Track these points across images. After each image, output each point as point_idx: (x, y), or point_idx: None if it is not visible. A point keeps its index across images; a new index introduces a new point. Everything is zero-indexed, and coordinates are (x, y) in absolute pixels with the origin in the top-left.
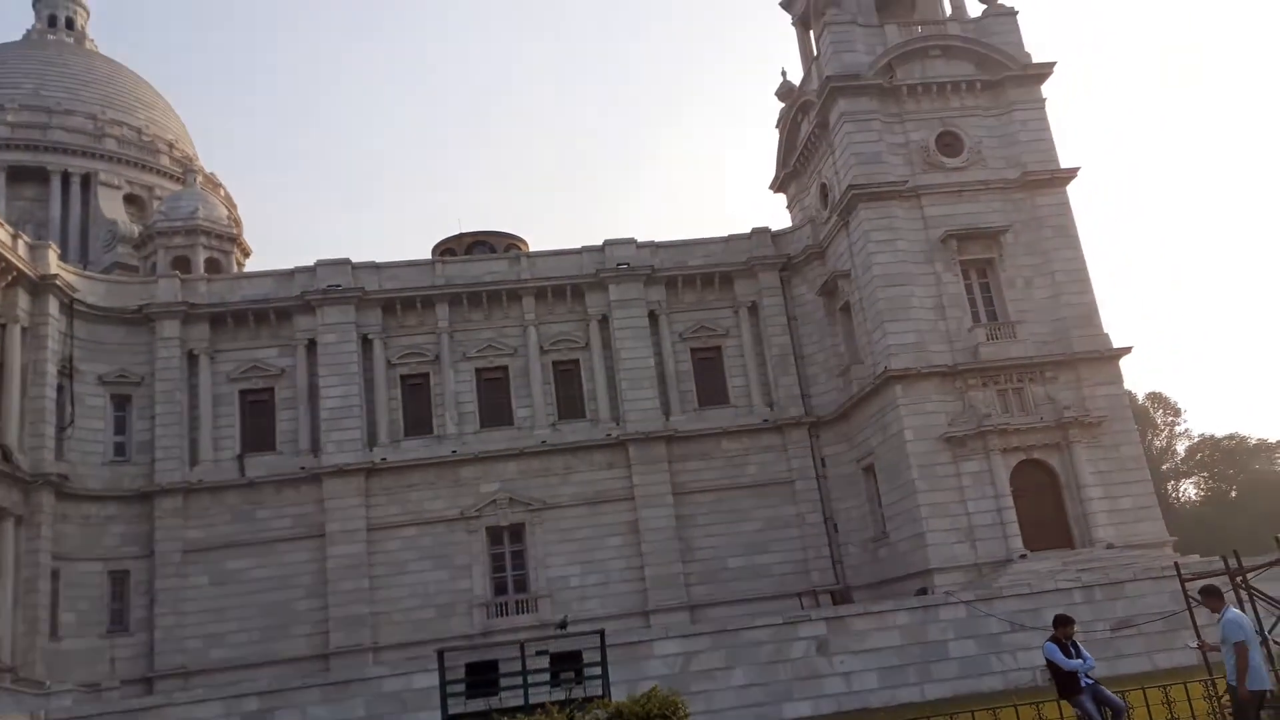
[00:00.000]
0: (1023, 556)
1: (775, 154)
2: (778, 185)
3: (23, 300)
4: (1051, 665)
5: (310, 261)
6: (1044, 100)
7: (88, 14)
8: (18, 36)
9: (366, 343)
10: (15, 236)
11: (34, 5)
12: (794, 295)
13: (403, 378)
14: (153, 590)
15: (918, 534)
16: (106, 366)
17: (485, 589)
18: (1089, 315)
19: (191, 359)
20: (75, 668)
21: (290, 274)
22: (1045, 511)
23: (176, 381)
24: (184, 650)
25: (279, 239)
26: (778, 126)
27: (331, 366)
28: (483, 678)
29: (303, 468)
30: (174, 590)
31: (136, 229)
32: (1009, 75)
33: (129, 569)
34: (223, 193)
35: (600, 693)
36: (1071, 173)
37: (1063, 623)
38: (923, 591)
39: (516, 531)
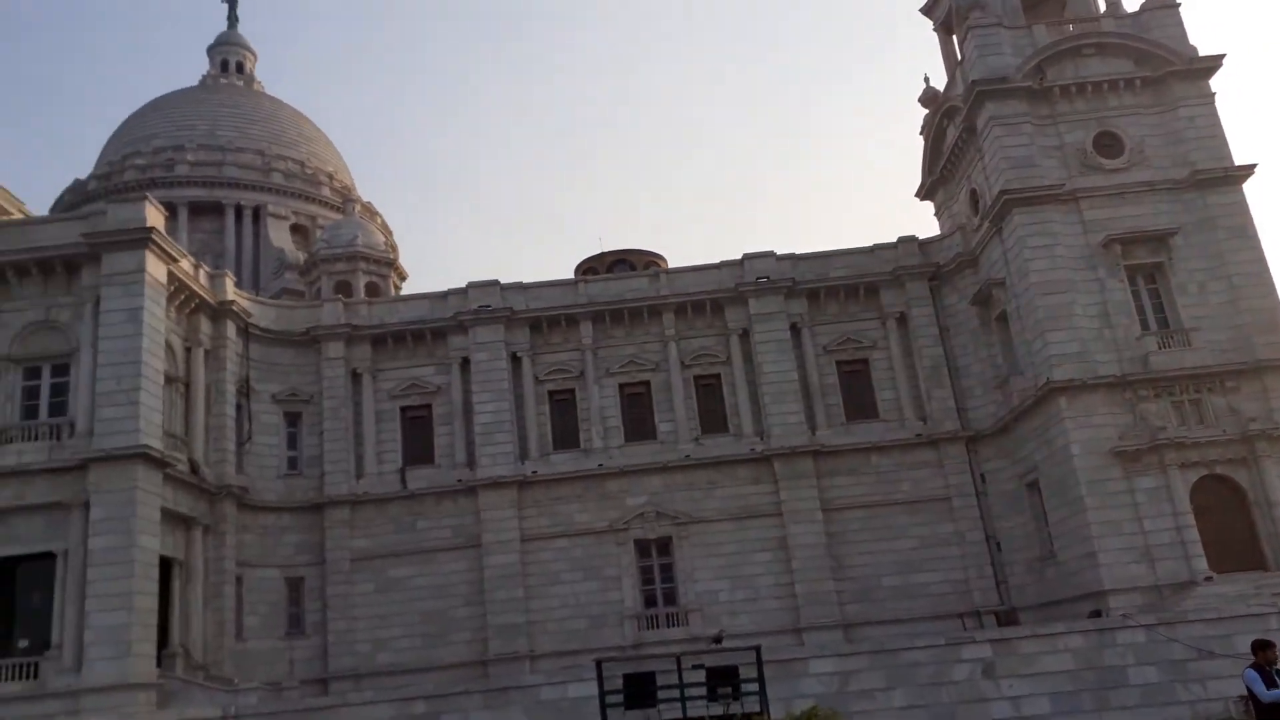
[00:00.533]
0: (1208, 578)
1: (920, 161)
2: (924, 193)
3: (204, 325)
4: (1252, 695)
5: (462, 283)
6: (1213, 95)
7: (255, 57)
8: (194, 82)
9: (516, 360)
10: (197, 267)
11: (208, 52)
12: (945, 305)
13: (550, 393)
14: (325, 596)
15: (1089, 553)
16: (279, 385)
17: (635, 601)
18: (1273, 320)
19: (355, 377)
20: (259, 667)
21: (444, 296)
22: (1232, 531)
23: (342, 399)
24: (354, 653)
25: (432, 261)
26: (922, 133)
27: (484, 383)
28: (640, 689)
29: (459, 480)
30: (343, 596)
31: (302, 256)
32: (1173, 71)
33: (303, 575)
34: (379, 220)
35: (758, 709)
36: (1247, 170)
37: (1263, 647)
38: (1096, 614)
39: (664, 545)
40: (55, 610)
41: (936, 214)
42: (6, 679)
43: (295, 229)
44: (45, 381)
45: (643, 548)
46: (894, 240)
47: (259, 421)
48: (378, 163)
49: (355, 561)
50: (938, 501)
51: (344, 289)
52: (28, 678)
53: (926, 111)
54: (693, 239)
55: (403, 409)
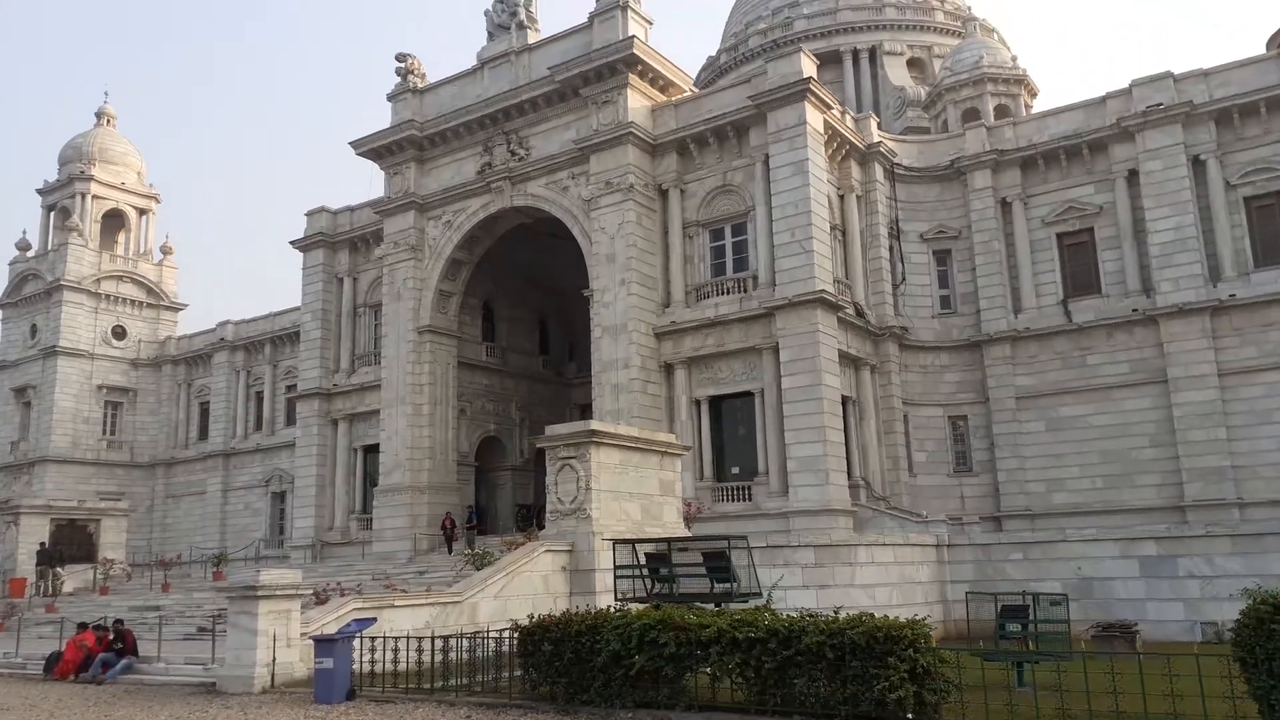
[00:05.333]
0: None
1: None
2: None
3: (854, 171)
4: None
5: (1122, 84)
6: None
7: None
8: None
9: (1198, 164)
10: (844, 112)
11: None
12: None
13: (1246, 200)
14: (990, 434)
15: None
16: (925, 224)
17: None
18: None
19: (1004, 206)
20: (930, 501)
21: (1101, 101)
22: None
23: (992, 231)
24: (1026, 493)
25: (1060, 72)
26: None
27: (1158, 197)
28: None
29: (1134, 310)
30: (1010, 435)
31: (922, 91)
32: None
33: (965, 414)
34: (996, 37)
35: None
36: None
37: None
38: None
39: None
40: (758, 442)
41: None
42: (728, 499)
43: (911, 63)
44: (728, 240)
45: None
46: None
47: (910, 262)
48: None
49: (1020, 400)
50: None
51: (971, 116)
52: (743, 499)
53: None
54: None
55: (1059, 235)
